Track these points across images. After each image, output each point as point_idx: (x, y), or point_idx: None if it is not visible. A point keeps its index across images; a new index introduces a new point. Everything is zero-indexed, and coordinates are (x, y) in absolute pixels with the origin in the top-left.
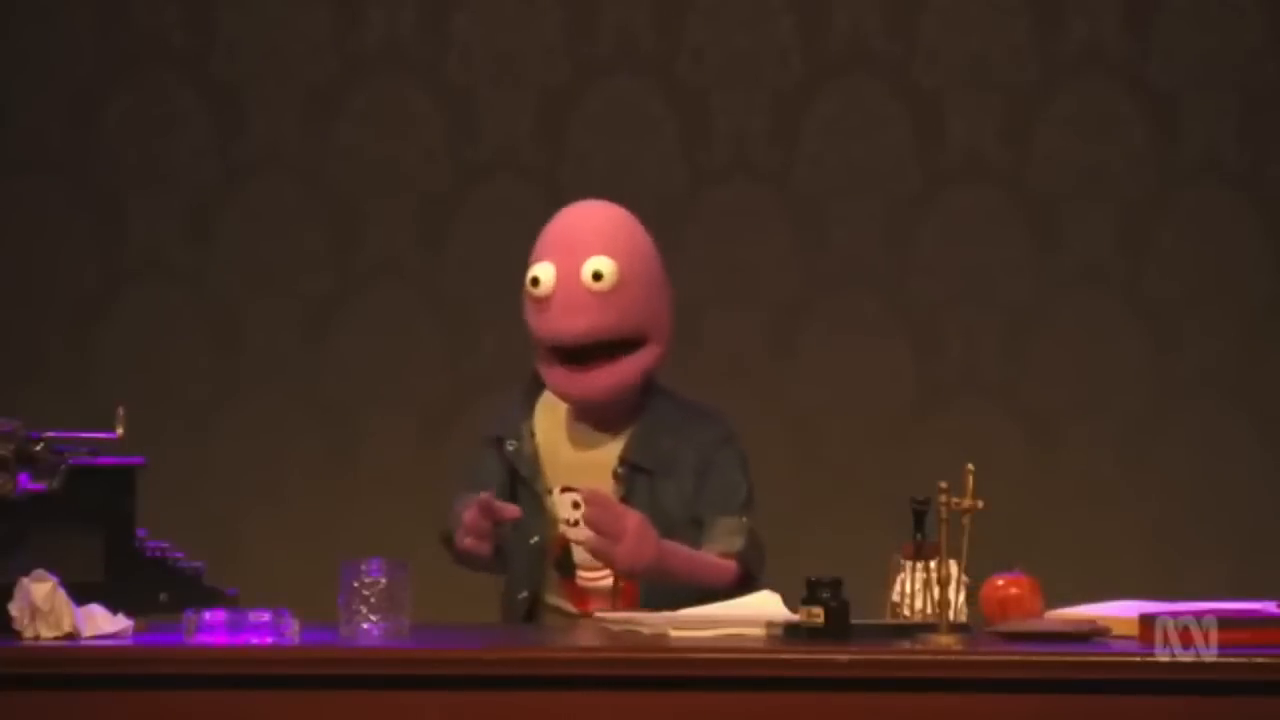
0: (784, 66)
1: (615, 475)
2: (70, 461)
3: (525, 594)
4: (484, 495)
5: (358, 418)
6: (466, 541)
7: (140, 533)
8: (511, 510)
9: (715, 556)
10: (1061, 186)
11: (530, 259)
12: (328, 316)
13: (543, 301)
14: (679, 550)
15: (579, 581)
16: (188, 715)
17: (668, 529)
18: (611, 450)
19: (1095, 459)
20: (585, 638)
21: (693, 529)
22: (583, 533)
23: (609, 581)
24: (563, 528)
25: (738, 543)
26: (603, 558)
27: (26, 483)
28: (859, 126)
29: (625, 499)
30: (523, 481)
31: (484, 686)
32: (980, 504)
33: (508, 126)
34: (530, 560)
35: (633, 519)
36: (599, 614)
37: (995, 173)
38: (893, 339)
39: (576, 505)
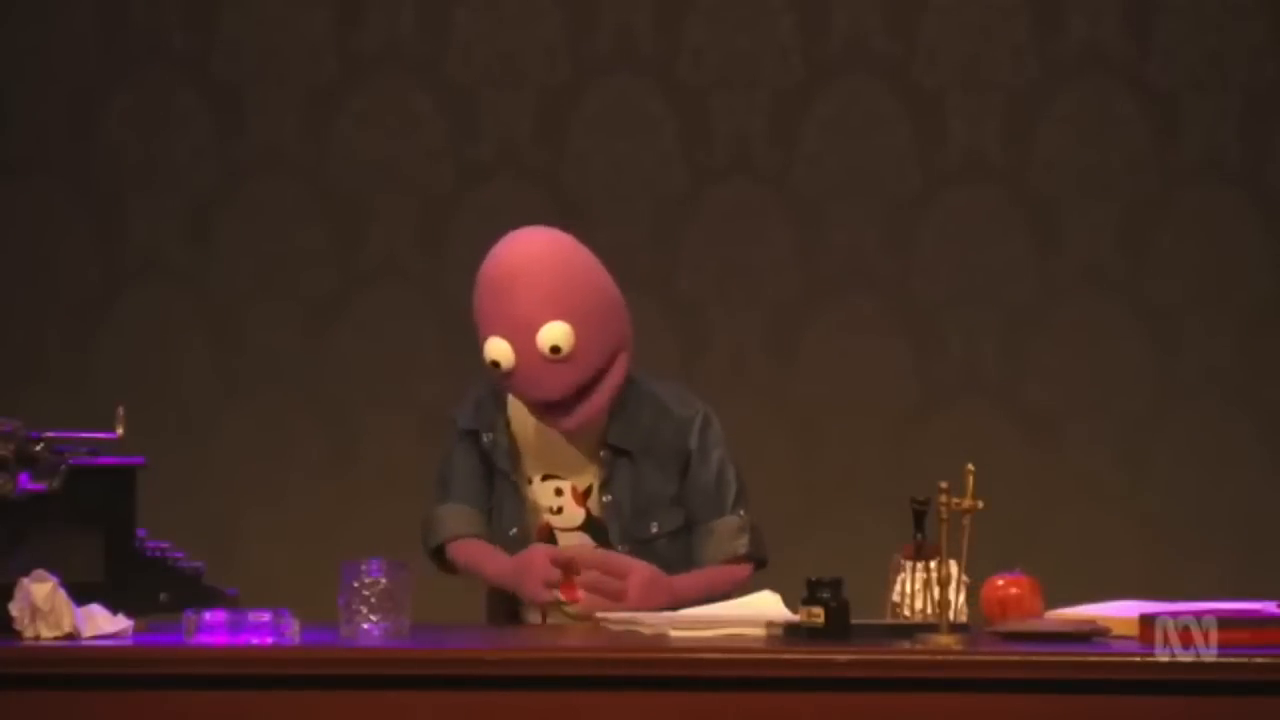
0: (784, 66)
1: (599, 459)
2: (70, 461)
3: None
4: (552, 553)
5: (358, 418)
6: (546, 595)
7: (140, 533)
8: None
9: (724, 566)
10: (1061, 186)
11: (479, 324)
12: (328, 316)
13: (505, 374)
14: (691, 581)
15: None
16: (188, 715)
17: (650, 508)
18: (588, 436)
19: (1095, 459)
20: (585, 638)
21: (675, 508)
22: (585, 591)
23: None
24: (546, 516)
25: (742, 544)
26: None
27: (26, 483)
28: (859, 126)
29: (607, 481)
30: (500, 473)
31: (484, 686)
32: (980, 504)
33: (508, 126)
34: (510, 551)
35: (636, 574)
36: (599, 615)
37: (995, 173)
38: (893, 339)
39: (559, 492)
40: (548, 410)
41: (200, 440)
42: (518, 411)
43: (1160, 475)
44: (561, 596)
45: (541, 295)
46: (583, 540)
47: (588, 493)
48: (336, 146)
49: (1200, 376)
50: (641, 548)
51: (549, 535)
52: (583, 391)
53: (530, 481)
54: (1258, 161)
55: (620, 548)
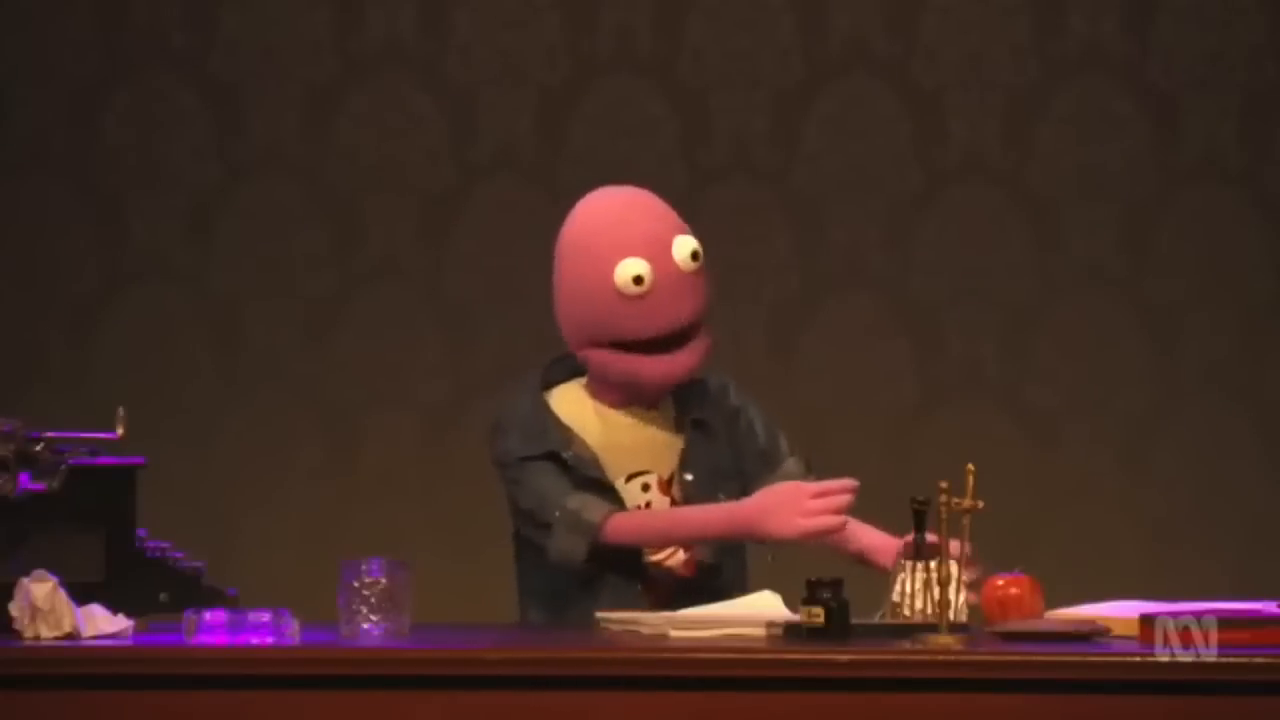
0: (784, 66)
1: (682, 437)
2: (70, 461)
3: (639, 585)
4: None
5: (358, 418)
6: (819, 523)
7: (140, 533)
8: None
9: None
10: (1061, 186)
11: (596, 258)
12: (328, 316)
13: (639, 297)
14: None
15: (649, 568)
16: (188, 715)
17: (717, 479)
18: (661, 421)
19: (1095, 459)
20: (585, 638)
21: (734, 477)
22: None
23: (680, 554)
24: None
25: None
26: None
27: (26, 483)
28: (859, 126)
29: (686, 459)
30: (592, 483)
31: (484, 686)
32: (980, 504)
33: (508, 126)
34: (608, 565)
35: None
36: (599, 615)
37: (995, 173)
38: (893, 339)
39: (646, 488)
40: (663, 355)
41: (200, 440)
42: (577, 422)
43: (1160, 475)
44: (665, 560)
45: (661, 213)
46: None
47: (670, 480)
48: (336, 146)
49: (1200, 376)
50: None
51: None
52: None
53: (612, 485)
54: (1258, 161)
55: None
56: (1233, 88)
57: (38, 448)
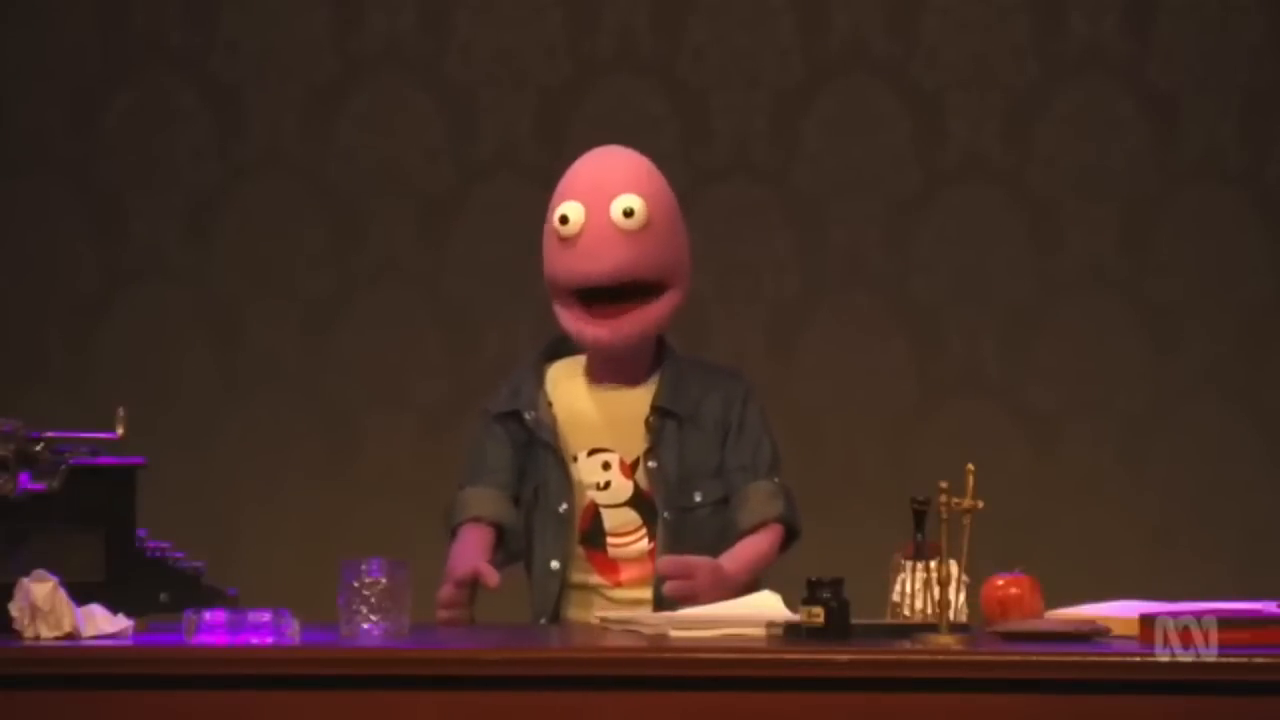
0: (784, 66)
1: (647, 424)
2: (70, 461)
3: (558, 564)
4: (460, 573)
5: (358, 418)
6: (442, 615)
7: (140, 533)
8: (492, 577)
9: (759, 535)
10: (1061, 186)
11: (554, 200)
12: (328, 316)
13: (569, 241)
14: (740, 564)
15: (610, 551)
16: (188, 715)
17: (693, 476)
18: (637, 403)
19: (1095, 459)
20: (585, 638)
21: (716, 479)
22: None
23: (643, 544)
24: (591, 493)
25: (777, 507)
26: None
27: (26, 483)
28: (859, 126)
29: (654, 447)
30: (546, 449)
31: (484, 686)
32: (980, 504)
33: (508, 126)
34: (560, 529)
35: (702, 572)
36: (599, 614)
37: (995, 173)
38: (893, 339)
39: (607, 466)
40: (600, 315)
41: (200, 440)
42: (558, 389)
43: (1160, 475)
44: (604, 578)
45: (623, 173)
46: (628, 517)
47: (635, 465)
48: (336, 146)
49: (1200, 376)
50: (685, 516)
51: (594, 514)
52: (632, 298)
53: (575, 459)
54: (1258, 161)
55: (665, 515)
56: (1233, 88)
57: (38, 448)
